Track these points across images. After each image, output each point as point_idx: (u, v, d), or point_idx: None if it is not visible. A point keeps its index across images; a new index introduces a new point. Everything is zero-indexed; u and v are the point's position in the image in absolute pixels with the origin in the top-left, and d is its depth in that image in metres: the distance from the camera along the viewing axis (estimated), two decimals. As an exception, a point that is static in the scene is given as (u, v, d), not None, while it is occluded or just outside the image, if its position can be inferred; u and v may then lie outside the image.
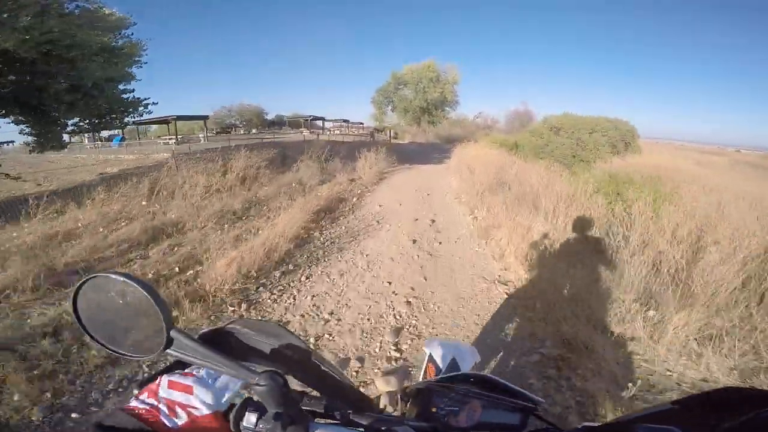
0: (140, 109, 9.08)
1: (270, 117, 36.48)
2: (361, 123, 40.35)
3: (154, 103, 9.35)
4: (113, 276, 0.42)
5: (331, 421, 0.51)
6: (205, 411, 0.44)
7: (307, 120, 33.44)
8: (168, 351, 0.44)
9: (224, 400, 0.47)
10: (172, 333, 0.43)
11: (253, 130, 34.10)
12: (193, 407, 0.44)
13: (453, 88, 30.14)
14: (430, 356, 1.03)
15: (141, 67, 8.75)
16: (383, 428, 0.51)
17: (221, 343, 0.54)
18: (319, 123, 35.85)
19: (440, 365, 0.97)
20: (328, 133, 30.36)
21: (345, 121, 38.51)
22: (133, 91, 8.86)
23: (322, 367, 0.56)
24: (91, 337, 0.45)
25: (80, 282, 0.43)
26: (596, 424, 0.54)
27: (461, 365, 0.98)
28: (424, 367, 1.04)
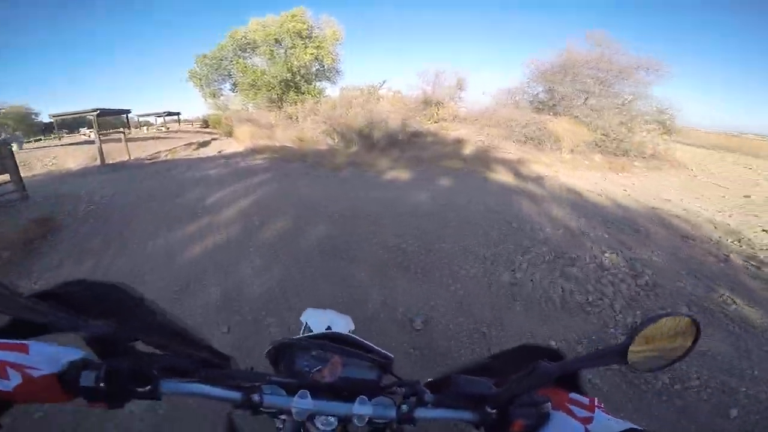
0: None
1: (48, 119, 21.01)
2: (178, 113, 27.06)
3: None
4: None
5: (187, 380, 0.47)
6: (45, 371, 0.40)
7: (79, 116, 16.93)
8: None
9: (65, 359, 0.42)
10: None
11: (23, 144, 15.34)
12: (30, 367, 0.40)
13: (334, 50, 20.03)
14: (306, 325, 1.05)
15: None
16: (247, 385, 0.50)
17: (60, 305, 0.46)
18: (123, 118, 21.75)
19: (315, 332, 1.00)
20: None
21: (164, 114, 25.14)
22: None
23: (176, 328, 0.52)
24: None
25: None
26: (434, 378, 0.59)
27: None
28: (300, 335, 1.06)
